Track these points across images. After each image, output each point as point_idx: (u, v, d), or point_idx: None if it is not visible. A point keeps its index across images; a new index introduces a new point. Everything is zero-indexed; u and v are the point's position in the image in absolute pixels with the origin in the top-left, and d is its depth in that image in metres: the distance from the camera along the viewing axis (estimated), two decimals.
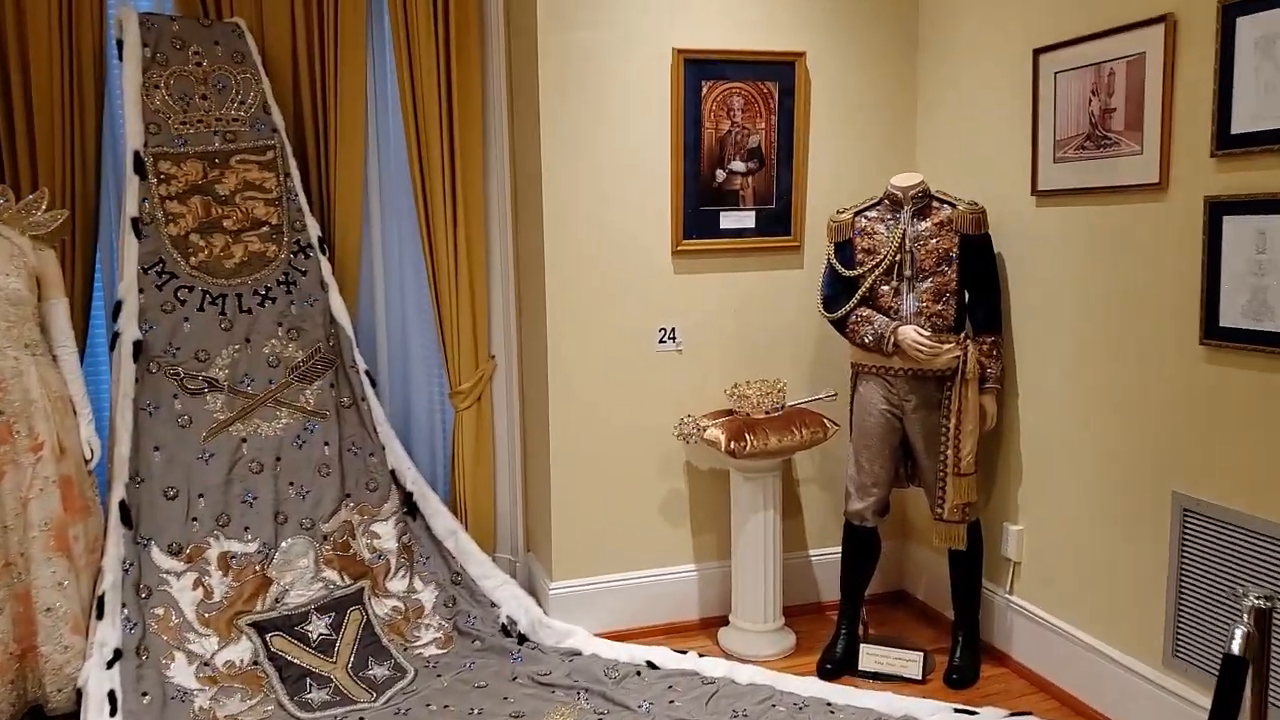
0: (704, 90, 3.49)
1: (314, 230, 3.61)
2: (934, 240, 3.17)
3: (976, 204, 3.19)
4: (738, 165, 3.57)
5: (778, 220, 3.65)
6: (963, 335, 3.15)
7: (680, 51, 3.43)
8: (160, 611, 3.07)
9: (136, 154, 3.32)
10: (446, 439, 3.91)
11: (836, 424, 3.43)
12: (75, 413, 2.99)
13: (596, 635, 3.49)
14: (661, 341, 3.59)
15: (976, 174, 3.39)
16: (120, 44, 3.36)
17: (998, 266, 3.25)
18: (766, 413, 3.37)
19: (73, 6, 3.33)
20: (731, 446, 3.25)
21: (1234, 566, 2.45)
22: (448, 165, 3.67)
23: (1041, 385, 3.14)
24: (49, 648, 2.85)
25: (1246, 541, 2.41)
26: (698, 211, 3.55)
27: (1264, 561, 2.37)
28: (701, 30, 3.47)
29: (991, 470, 3.39)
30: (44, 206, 3.06)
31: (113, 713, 2.80)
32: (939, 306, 3.16)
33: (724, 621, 3.63)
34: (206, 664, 3.04)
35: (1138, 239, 2.71)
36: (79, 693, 2.84)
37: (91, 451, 3.02)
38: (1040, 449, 3.17)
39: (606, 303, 3.52)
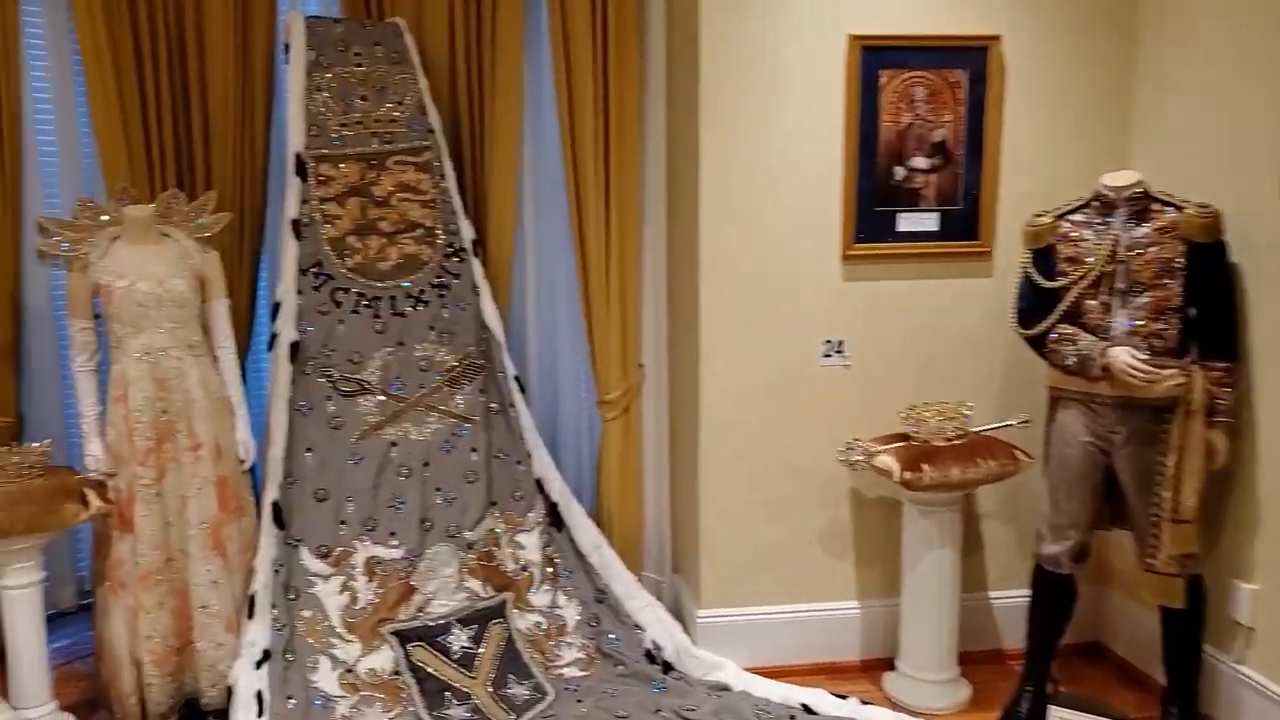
0: (882, 80, 3.16)
1: (468, 233, 3.53)
2: (1154, 249, 2.73)
3: (1208, 206, 2.72)
4: (919, 162, 3.22)
5: (964, 223, 3.27)
6: (1189, 360, 2.69)
7: (857, 39, 3.12)
8: (308, 614, 3.05)
9: (298, 156, 3.33)
10: (594, 449, 3.75)
11: (1030, 456, 3.03)
12: (233, 413, 3.01)
13: (746, 670, 3.24)
14: (827, 355, 3.29)
15: (1211, 171, 2.90)
16: (288, 48, 3.38)
17: (1234, 281, 2.76)
18: (947, 440, 3.02)
19: (246, 12, 3.38)
20: (906, 477, 2.92)
21: None
22: (601, 164, 3.49)
23: None
24: (204, 644, 2.90)
25: None
26: (871, 213, 3.23)
27: None
28: (880, 15, 3.14)
29: (1219, 518, 2.90)
30: (211, 209, 3.10)
31: (260, 713, 2.81)
32: (1158, 325, 2.71)
33: (888, 665, 3.29)
34: (350, 670, 3.00)
35: None
36: (229, 690, 2.87)
37: (246, 452, 3.04)
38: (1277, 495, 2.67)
39: (766, 311, 3.25)
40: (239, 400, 3.05)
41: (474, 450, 3.43)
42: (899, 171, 3.22)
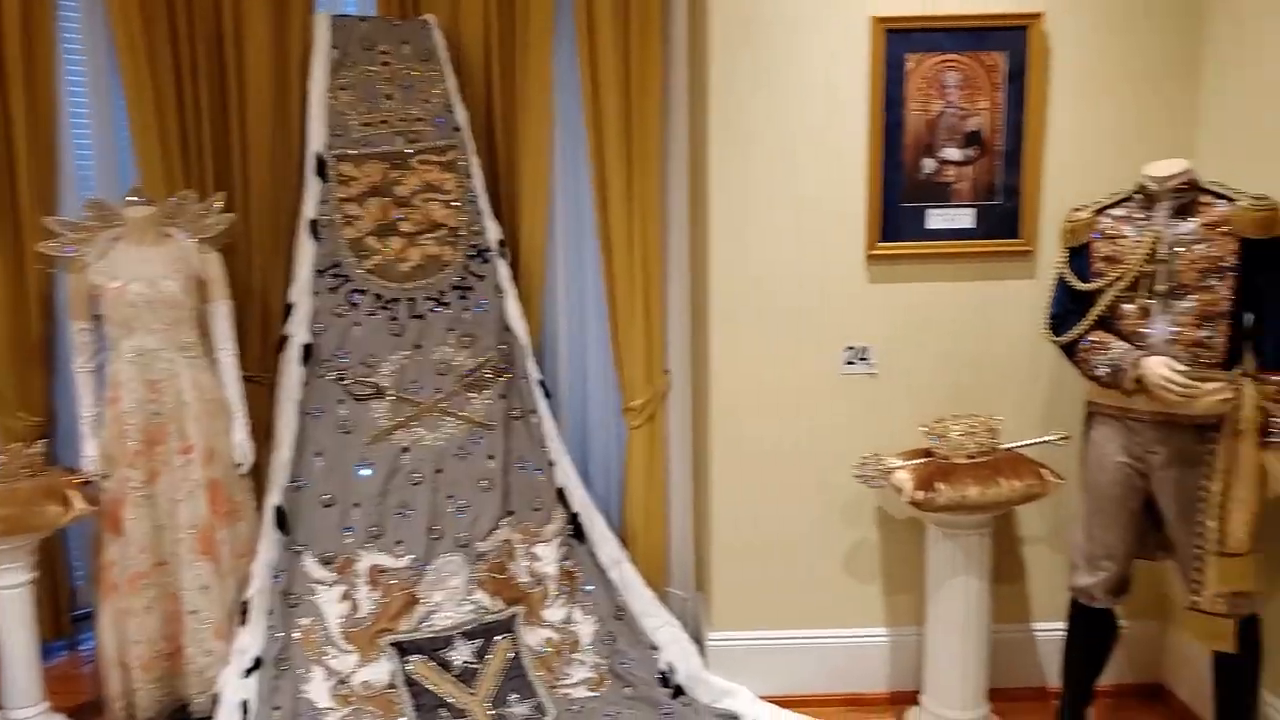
0: (909, 65, 2.93)
1: (493, 233, 3.47)
2: (1200, 246, 2.42)
3: (1266, 199, 2.39)
4: (951, 153, 2.97)
5: (1003, 219, 3.00)
6: (1238, 372, 2.38)
7: (880, 20, 2.90)
8: (306, 622, 3.03)
9: (318, 156, 3.33)
10: (622, 459, 3.63)
11: (1061, 477, 2.74)
12: (229, 416, 3.02)
13: (761, 698, 3.06)
14: (850, 363, 3.08)
15: (1275, 162, 2.57)
16: None
17: None
18: (969, 456, 2.77)
19: (282, 12, 3.41)
20: (917, 496, 2.69)
21: None
22: (625, 162, 3.37)
23: None
24: (193, 649, 2.90)
25: None
26: (898, 208, 3.00)
27: None
28: None
29: (1278, 551, 2.56)
30: (218, 210, 3.12)
31: None
32: (1202, 333, 2.41)
33: (916, 699, 3.05)
34: (343, 682, 2.96)
35: None
36: (215, 698, 2.85)
37: (244, 456, 3.04)
38: None
39: (784, 316, 3.06)
40: (238, 403, 3.05)
41: (491, 457, 3.36)
42: (929, 164, 2.98)
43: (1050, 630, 3.10)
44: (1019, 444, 2.85)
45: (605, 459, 3.72)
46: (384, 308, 3.36)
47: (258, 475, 3.17)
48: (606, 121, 3.36)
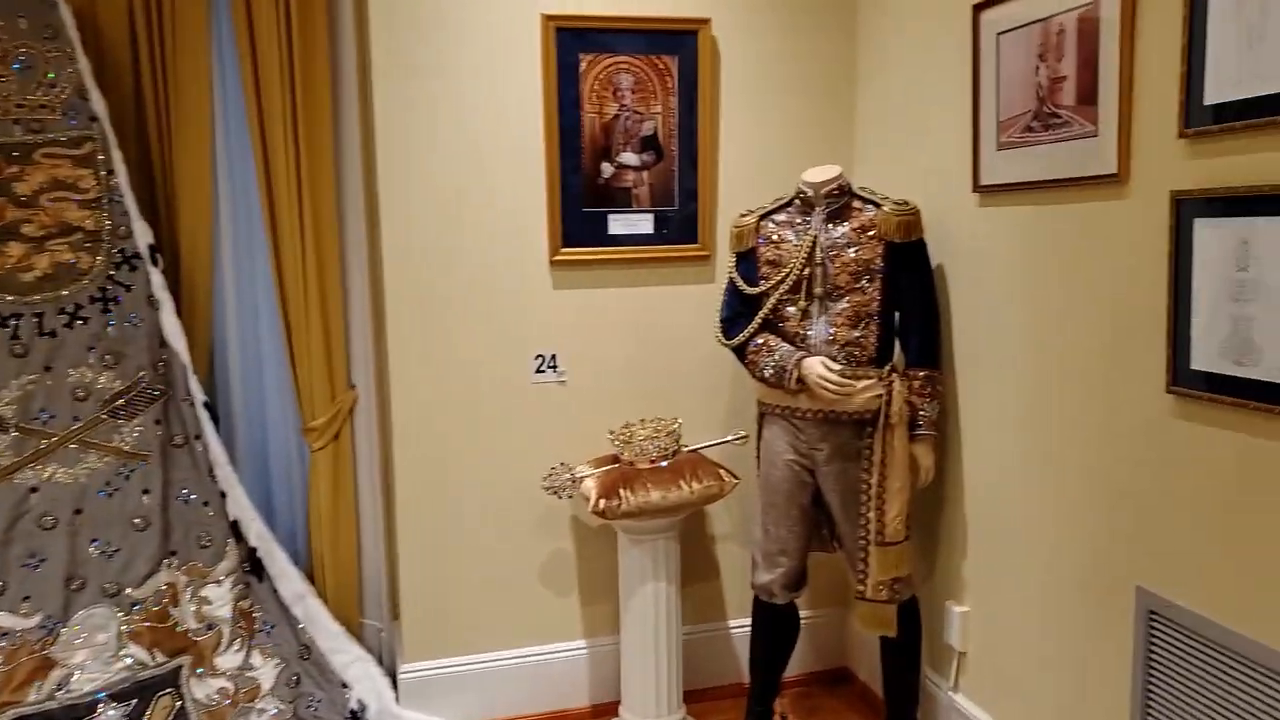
0: (582, 66, 2.87)
1: (143, 237, 3.05)
2: (852, 250, 2.52)
3: (907, 203, 2.53)
4: (629, 158, 2.95)
5: (681, 225, 3.02)
6: (888, 369, 2.49)
7: (550, 18, 2.81)
8: None
9: None
10: (306, 483, 3.34)
11: (737, 477, 2.79)
12: None
13: None
14: (539, 371, 2.98)
15: (917, 166, 2.74)
16: None
17: (935, 283, 2.58)
18: (652, 461, 2.75)
19: None
20: (601, 505, 2.63)
21: (1209, 688, 1.76)
22: (293, 160, 3.08)
23: (990, 432, 2.47)
24: None
25: (1219, 660, 1.73)
26: (580, 214, 2.94)
27: (1240, 688, 1.69)
28: None
29: (933, 536, 2.73)
30: None
31: None
32: (856, 333, 2.51)
33: (618, 710, 3.00)
34: None
35: (1093, 249, 2.04)
36: None
37: None
38: (989, 513, 2.50)
39: (469, 324, 2.92)
40: None
41: (146, 492, 2.96)
42: (607, 168, 2.94)
43: (743, 626, 3.16)
44: (701, 445, 2.88)
45: (289, 485, 3.40)
46: (2, 325, 2.88)
47: None
48: (271, 117, 3.05)
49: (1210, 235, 1.68)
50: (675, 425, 2.83)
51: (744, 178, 3.03)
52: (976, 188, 2.42)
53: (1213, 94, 1.67)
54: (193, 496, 3.06)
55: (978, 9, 2.35)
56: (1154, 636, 1.92)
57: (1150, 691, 1.93)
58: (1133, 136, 1.90)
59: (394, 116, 2.81)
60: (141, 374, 3.02)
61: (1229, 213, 1.64)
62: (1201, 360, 1.73)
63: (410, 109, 2.80)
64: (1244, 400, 1.64)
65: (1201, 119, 1.70)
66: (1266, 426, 1.62)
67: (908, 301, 2.53)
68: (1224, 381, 1.68)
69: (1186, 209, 1.73)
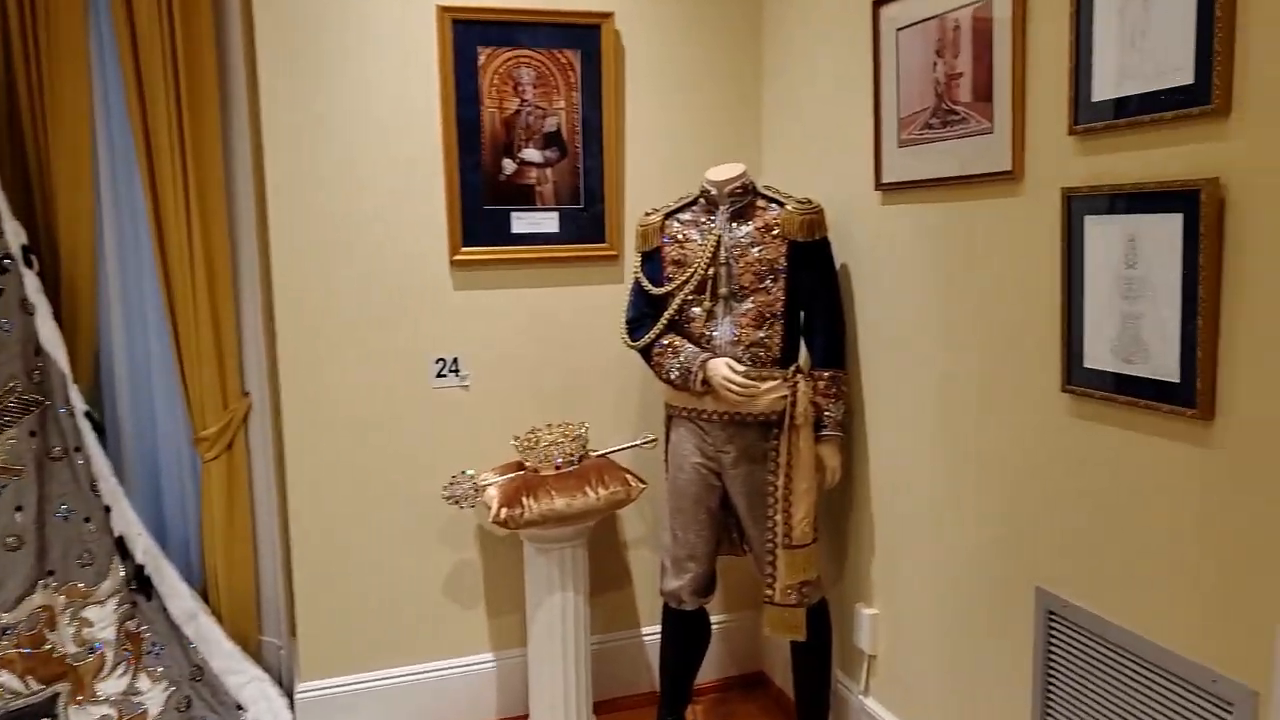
0: (481, 59, 2.78)
1: (15, 237, 2.86)
2: (756, 249, 2.48)
3: (810, 202, 2.49)
4: (531, 154, 2.86)
5: (589, 223, 2.94)
6: (793, 370, 2.45)
7: (446, 10, 2.71)
8: None
9: None
10: (199, 496, 3.18)
11: (644, 481, 2.72)
12: None
13: None
14: (440, 375, 2.88)
15: (822, 164, 2.70)
16: None
17: (839, 282, 2.55)
18: (557, 467, 2.67)
19: None
20: (502, 515, 2.54)
21: (1106, 687, 1.75)
22: (179, 157, 2.92)
23: (895, 432, 2.44)
24: None
25: (1115, 659, 1.72)
26: (482, 212, 2.84)
27: (1135, 686, 1.68)
28: None
29: (842, 538, 2.70)
30: None
31: None
32: (761, 333, 2.46)
33: None
34: None
35: (991, 247, 2.02)
36: None
37: None
38: (894, 514, 2.48)
39: (366, 327, 2.80)
40: None
41: (19, 509, 2.79)
42: (509, 165, 2.85)
43: (655, 634, 3.09)
44: (609, 449, 2.81)
45: (180, 498, 3.23)
46: None
47: None
48: (155, 112, 2.88)
49: (1100, 232, 1.67)
50: (582, 430, 2.75)
51: (651, 175, 2.97)
52: (879, 186, 2.40)
53: (1099, 91, 1.66)
54: (73, 512, 2.89)
55: (877, 4, 2.32)
56: (1053, 637, 1.90)
57: (1050, 691, 1.92)
58: (1026, 133, 1.88)
59: (282, 111, 2.68)
60: (13, 383, 2.84)
61: (1117, 210, 1.63)
62: (1094, 358, 1.71)
63: (300, 103, 2.68)
64: (1134, 399, 1.63)
65: (1089, 116, 1.69)
66: (1156, 425, 1.61)
67: (812, 301, 2.49)
68: (1115, 380, 1.67)
69: (1077, 206, 1.72)
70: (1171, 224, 1.52)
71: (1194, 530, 1.56)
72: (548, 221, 2.89)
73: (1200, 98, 1.47)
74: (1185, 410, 1.53)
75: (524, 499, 2.55)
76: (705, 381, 2.44)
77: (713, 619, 2.81)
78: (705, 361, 2.44)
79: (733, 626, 3.17)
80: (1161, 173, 1.55)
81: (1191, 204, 1.47)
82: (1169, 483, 1.59)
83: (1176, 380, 1.54)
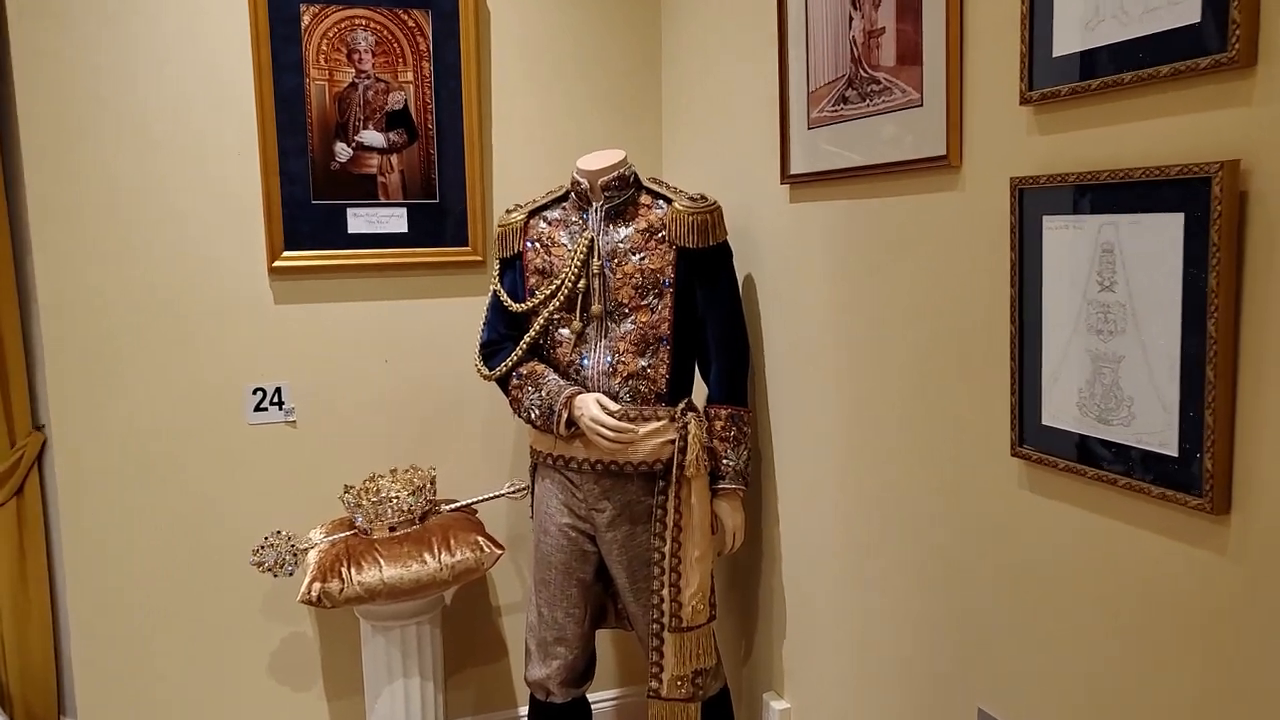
0: (305, 20, 2.24)
1: None
2: (637, 257, 1.97)
3: (703, 199, 1.99)
4: (372, 136, 2.33)
5: (445, 222, 2.42)
6: (682, 407, 1.95)
7: None
8: None
9: None
10: None
11: (500, 546, 2.20)
12: None
13: None
14: (260, 408, 2.34)
15: (724, 153, 2.21)
16: None
17: (740, 299, 2.06)
18: (391, 528, 2.14)
19: None
20: (313, 592, 2.01)
21: None
22: None
23: (809, 485, 1.95)
24: None
25: None
26: (310, 208, 2.31)
27: None
28: None
29: (748, 613, 2.21)
30: None
31: None
32: (643, 361, 1.96)
33: None
34: None
35: (924, 256, 1.53)
36: None
37: None
38: (809, 585, 1.99)
39: (159, 350, 2.26)
40: None
41: None
42: (343, 150, 2.32)
43: None
44: (467, 501, 2.29)
45: None
46: None
47: None
48: None
49: (1063, 239, 1.19)
50: (429, 479, 2.23)
51: (525, 164, 2.46)
52: (786, 178, 1.91)
53: (1063, 42, 1.18)
54: None
55: None
56: None
57: None
58: (965, 105, 1.40)
59: (42, 75, 2.12)
60: None
61: (1087, 208, 1.15)
62: (1055, 415, 1.23)
63: (66, 82, 2.12)
64: (1111, 474, 1.15)
65: (1049, 78, 1.20)
66: (1142, 514, 1.13)
67: (707, 322, 1.99)
68: (1084, 446, 1.19)
69: (1032, 202, 1.23)
70: (1167, 228, 1.04)
71: (1198, 668, 1.08)
72: (394, 220, 2.37)
73: (1211, 44, 0.99)
74: (1185, 497, 1.05)
75: (344, 570, 2.02)
76: (572, 422, 1.93)
77: (603, 696, 2.31)
78: (571, 398, 1.93)
79: (628, 702, 2.67)
80: (1153, 155, 1.07)
81: (1198, 199, 1.00)
82: (1161, 597, 1.12)
83: (1173, 453, 1.07)
